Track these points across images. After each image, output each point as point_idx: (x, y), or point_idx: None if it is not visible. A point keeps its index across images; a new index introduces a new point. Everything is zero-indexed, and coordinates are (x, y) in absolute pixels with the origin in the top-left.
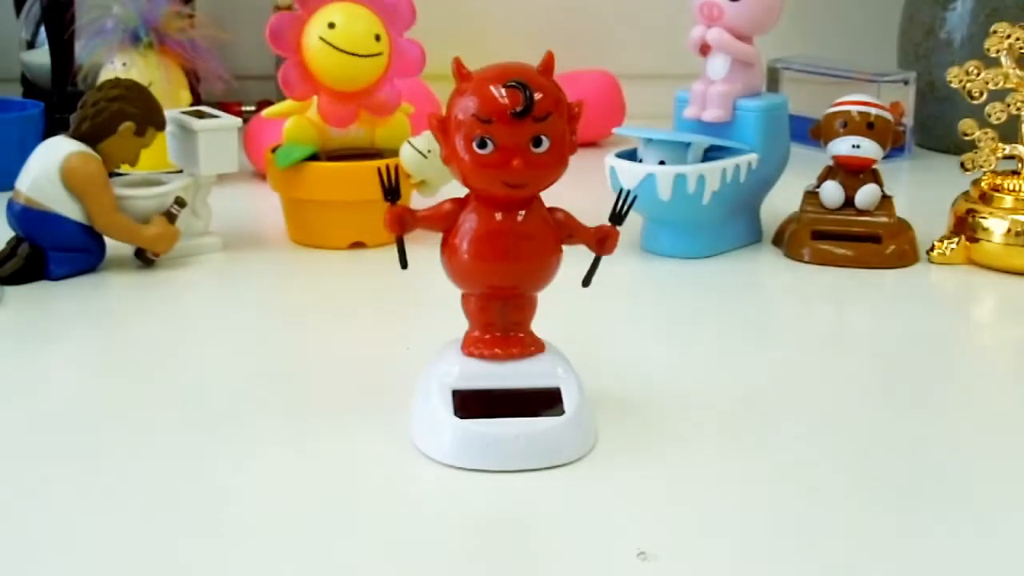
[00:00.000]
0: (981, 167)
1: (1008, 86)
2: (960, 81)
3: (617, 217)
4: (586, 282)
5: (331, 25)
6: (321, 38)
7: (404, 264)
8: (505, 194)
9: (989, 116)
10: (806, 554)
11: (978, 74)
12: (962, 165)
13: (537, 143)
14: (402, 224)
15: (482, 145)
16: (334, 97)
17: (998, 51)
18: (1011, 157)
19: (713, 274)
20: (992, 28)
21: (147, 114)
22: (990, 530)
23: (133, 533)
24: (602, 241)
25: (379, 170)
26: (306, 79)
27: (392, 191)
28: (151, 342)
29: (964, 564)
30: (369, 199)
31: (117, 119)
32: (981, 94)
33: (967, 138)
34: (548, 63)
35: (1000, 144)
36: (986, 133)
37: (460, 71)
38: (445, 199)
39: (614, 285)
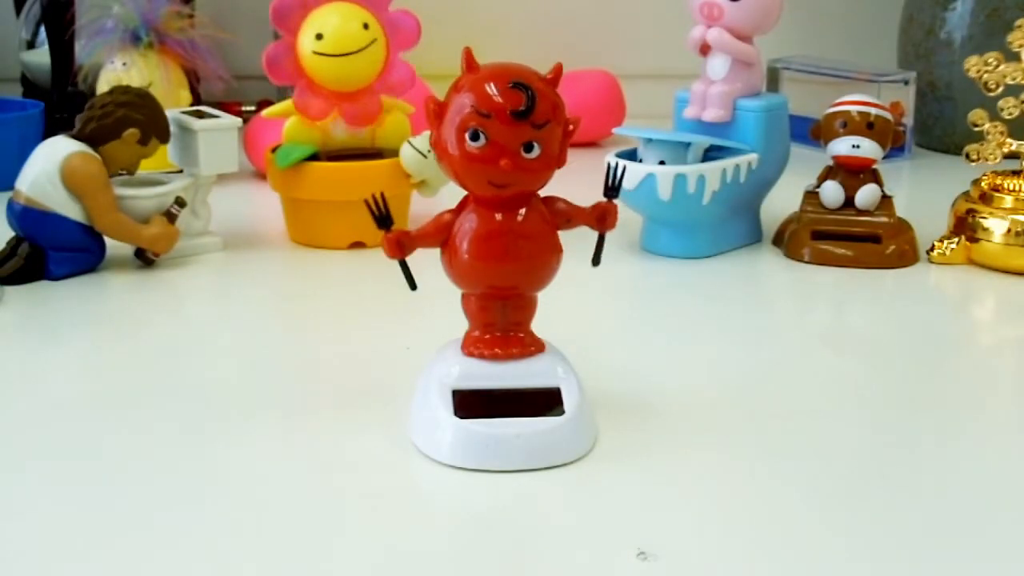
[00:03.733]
0: (986, 159)
1: None
2: (978, 71)
3: (611, 191)
4: (595, 261)
5: (319, 36)
6: (315, 53)
7: (413, 286)
8: (489, 192)
9: (1002, 110)
10: (806, 554)
11: (997, 66)
12: (967, 155)
13: (529, 148)
14: (401, 248)
15: (475, 138)
16: (352, 99)
17: (1020, 46)
18: (1015, 156)
19: (713, 274)
20: (1017, 22)
21: (153, 124)
22: (990, 530)
23: (133, 532)
24: (602, 218)
25: (366, 201)
26: (321, 96)
27: (383, 219)
28: (151, 342)
29: (964, 563)
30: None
31: (123, 124)
32: (997, 86)
33: (976, 129)
34: (556, 73)
35: (1008, 139)
36: (995, 126)
37: (469, 62)
38: (441, 211)
39: (614, 285)
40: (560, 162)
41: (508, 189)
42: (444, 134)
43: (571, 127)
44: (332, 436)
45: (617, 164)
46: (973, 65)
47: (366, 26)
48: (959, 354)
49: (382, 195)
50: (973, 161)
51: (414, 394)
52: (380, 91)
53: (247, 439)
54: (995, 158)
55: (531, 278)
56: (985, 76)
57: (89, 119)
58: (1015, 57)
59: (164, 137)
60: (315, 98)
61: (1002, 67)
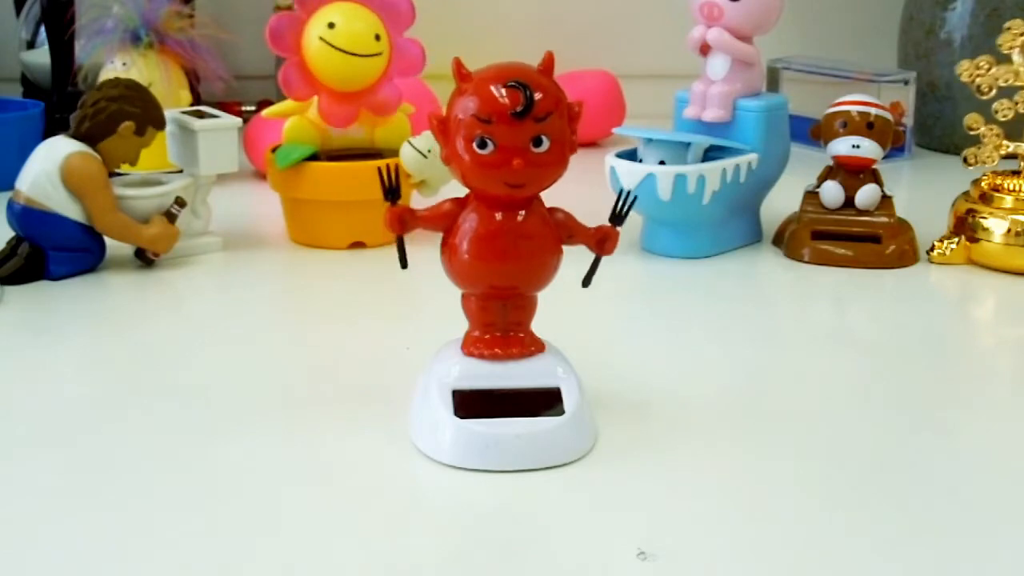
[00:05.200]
0: (983, 163)
1: (1018, 84)
2: (970, 75)
3: (617, 218)
4: (586, 282)
5: (331, 25)
6: (321, 38)
7: (404, 264)
8: (506, 194)
9: (996, 113)
10: (806, 554)
11: (988, 69)
12: (964, 159)
13: (537, 143)
14: (403, 224)
15: (482, 145)
16: (334, 97)
17: (1011, 48)
18: (1013, 156)
19: (713, 274)
20: (1006, 25)
21: (147, 113)
22: (989, 530)
23: (132, 531)
24: (602, 242)
25: (379, 170)
26: (306, 79)
27: (392, 191)
28: (151, 342)
29: (963, 564)
30: (369, 199)
31: (117, 119)
32: (990, 89)
33: (972, 132)
34: (548, 63)
35: (1004, 141)
36: (991, 129)
37: (460, 71)
38: (445, 199)
39: (614, 285)
40: (572, 149)
41: (525, 188)
42: (453, 146)
43: (576, 110)
44: (332, 436)
45: (629, 193)
46: (965, 69)
47: (377, 38)
48: (959, 354)
49: (396, 167)
50: (971, 165)
51: (414, 394)
52: (361, 104)
53: (247, 439)
54: (993, 161)
55: (531, 278)
56: (977, 80)
57: (83, 118)
58: (1007, 59)
59: (160, 125)
60: (300, 79)
61: (994, 70)
